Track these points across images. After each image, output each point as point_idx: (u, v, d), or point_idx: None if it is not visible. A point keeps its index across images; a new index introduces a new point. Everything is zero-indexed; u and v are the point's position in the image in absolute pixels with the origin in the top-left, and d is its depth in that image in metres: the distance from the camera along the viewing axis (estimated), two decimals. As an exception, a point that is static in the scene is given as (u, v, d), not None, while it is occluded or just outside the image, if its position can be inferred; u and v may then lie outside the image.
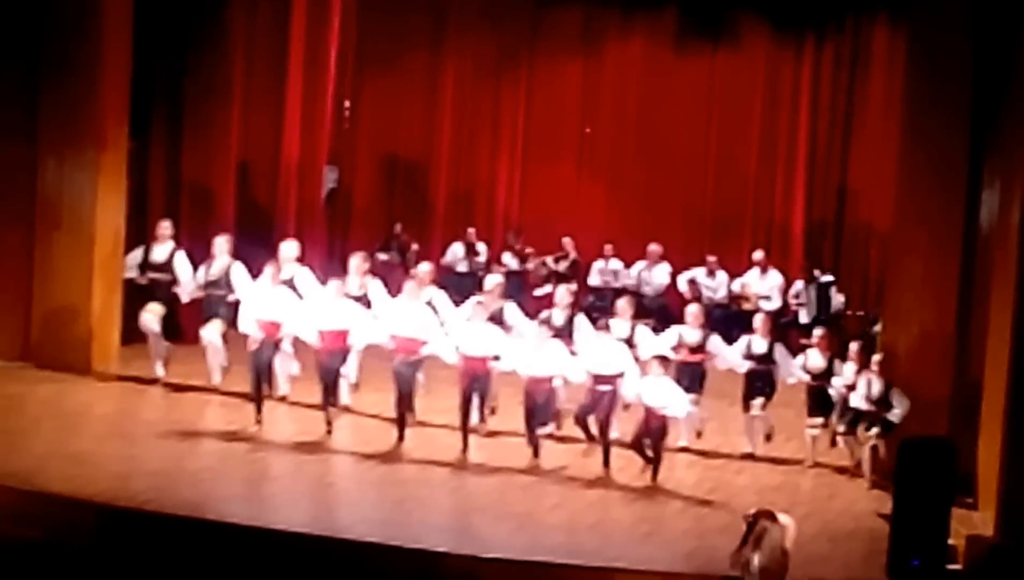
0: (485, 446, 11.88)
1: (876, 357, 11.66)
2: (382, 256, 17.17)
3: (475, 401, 11.92)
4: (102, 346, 13.73)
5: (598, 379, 11.53)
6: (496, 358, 11.75)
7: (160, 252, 13.33)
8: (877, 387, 11.50)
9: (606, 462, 11.48)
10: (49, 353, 13.59)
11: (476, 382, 11.79)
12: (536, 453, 11.64)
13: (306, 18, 16.56)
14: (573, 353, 11.81)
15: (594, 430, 11.67)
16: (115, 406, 12.87)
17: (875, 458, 11.45)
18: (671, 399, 11.26)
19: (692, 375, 11.98)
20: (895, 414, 11.38)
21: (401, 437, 11.88)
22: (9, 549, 9.37)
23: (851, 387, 11.77)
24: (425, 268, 13.08)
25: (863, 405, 11.54)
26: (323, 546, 9.42)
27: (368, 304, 12.42)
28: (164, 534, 9.55)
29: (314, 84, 16.83)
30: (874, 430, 11.46)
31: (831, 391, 12.00)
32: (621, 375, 11.53)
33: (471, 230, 18.04)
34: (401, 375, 11.87)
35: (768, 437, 12.39)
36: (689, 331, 12.27)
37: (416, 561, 9.25)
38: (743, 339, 12.39)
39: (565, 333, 12.08)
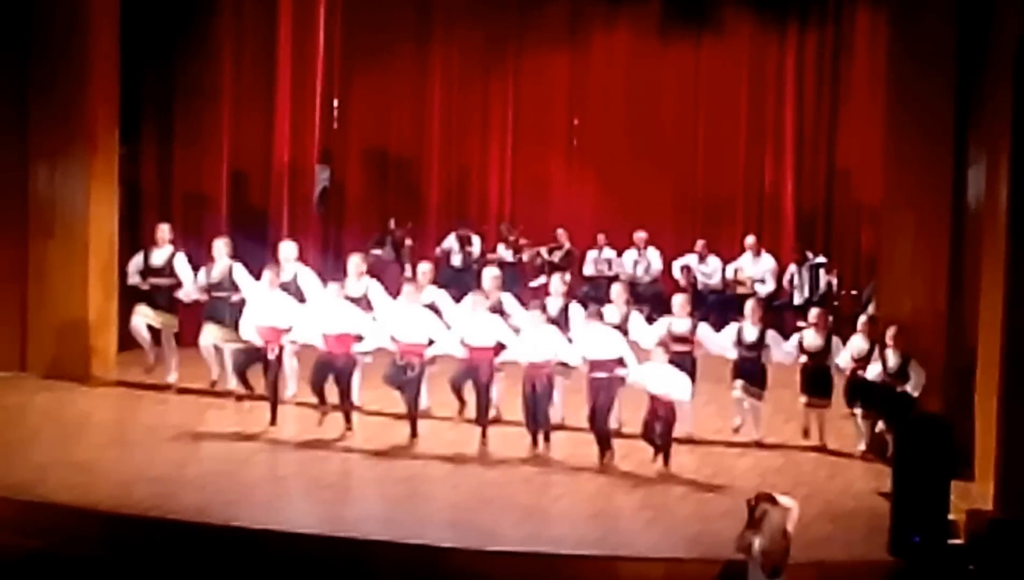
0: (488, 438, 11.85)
1: (891, 330, 11.55)
2: (376, 252, 17.20)
3: (472, 399, 11.88)
4: (99, 353, 13.73)
5: (594, 365, 11.52)
6: (501, 347, 11.76)
7: (159, 256, 13.22)
8: (894, 360, 11.48)
9: (602, 452, 11.43)
10: (46, 362, 13.61)
11: (477, 372, 11.75)
12: (535, 442, 11.65)
13: (292, 16, 16.53)
14: (569, 340, 11.80)
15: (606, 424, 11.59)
16: (114, 413, 12.88)
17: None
18: (674, 384, 11.28)
19: (683, 365, 11.81)
20: (912, 386, 11.34)
21: (413, 433, 11.90)
22: (13, 561, 9.33)
23: (862, 361, 11.75)
24: (425, 268, 13.04)
25: (880, 378, 11.47)
26: (329, 546, 9.43)
27: (367, 305, 12.37)
28: (169, 540, 9.54)
29: (303, 82, 16.81)
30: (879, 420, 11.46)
31: (845, 373, 11.95)
32: (618, 361, 11.50)
33: (464, 225, 18.09)
34: (392, 380, 11.88)
35: (736, 430, 12.27)
36: (678, 321, 12.22)
37: (422, 557, 9.28)
38: (733, 326, 12.30)
39: (560, 322, 12.09)
